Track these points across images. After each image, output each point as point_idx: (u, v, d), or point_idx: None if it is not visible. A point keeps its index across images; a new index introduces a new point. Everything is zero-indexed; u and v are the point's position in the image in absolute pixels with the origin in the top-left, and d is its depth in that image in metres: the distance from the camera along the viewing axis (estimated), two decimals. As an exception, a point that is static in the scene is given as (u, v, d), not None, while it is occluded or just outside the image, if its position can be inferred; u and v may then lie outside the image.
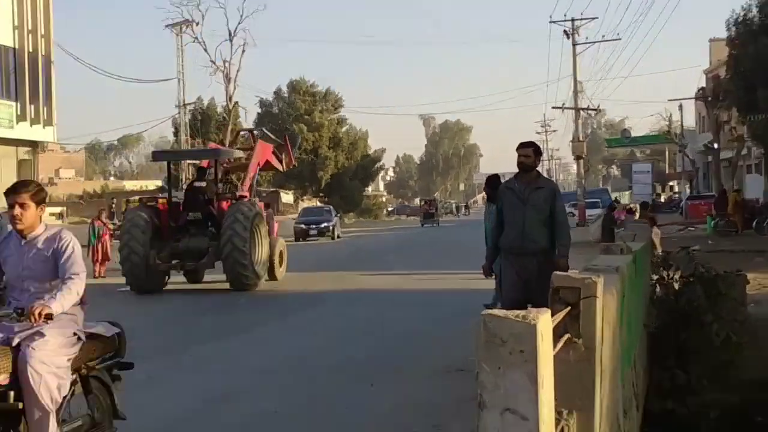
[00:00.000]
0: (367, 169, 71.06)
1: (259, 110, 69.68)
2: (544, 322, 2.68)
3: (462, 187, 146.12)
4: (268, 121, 69.63)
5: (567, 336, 3.61)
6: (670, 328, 9.10)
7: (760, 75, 25.53)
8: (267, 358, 9.75)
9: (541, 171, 7.90)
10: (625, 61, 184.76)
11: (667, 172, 79.63)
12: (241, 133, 27.69)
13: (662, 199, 71.88)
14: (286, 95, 69.97)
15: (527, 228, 7.47)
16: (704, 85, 49.90)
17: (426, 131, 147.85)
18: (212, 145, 26.55)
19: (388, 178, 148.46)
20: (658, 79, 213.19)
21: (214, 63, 49.71)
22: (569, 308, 3.65)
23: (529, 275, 7.41)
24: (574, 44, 45.20)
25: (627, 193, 74.71)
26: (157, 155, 23.63)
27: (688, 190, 58.32)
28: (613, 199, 54.55)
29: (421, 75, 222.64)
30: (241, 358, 9.85)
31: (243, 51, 50.40)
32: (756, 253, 21.16)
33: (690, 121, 65.55)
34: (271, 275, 18.59)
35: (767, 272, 15.95)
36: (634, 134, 74.73)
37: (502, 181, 9.85)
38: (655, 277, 9.38)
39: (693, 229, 35.16)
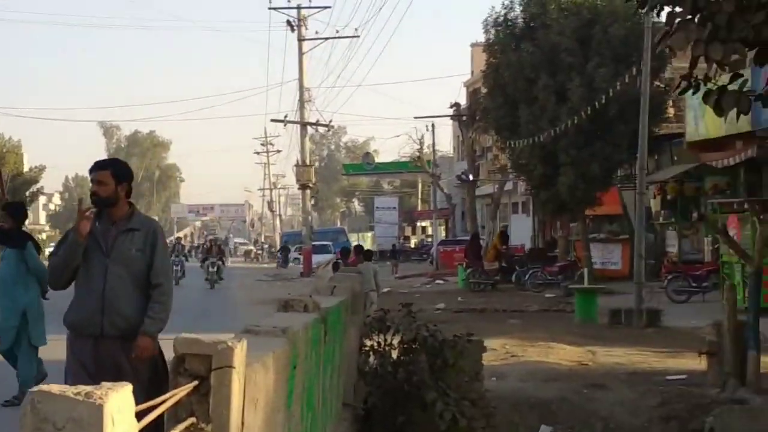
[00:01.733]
0: (19, 194, 68.46)
1: None
2: (118, 401, 2.60)
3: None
4: None
5: (190, 420, 3.56)
6: (386, 408, 9.38)
7: (521, 89, 27.38)
8: None
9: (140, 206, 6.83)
10: (370, 65, 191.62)
11: (419, 208, 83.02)
12: None
13: (412, 244, 75.01)
14: None
15: (110, 295, 6.47)
16: (465, 99, 52.78)
17: (108, 145, 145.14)
18: None
19: (52, 206, 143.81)
20: (414, 90, 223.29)
21: None
22: (197, 383, 3.61)
23: (111, 370, 6.29)
24: (300, 39, 46.22)
25: (369, 234, 77.09)
26: None
27: (443, 233, 61.16)
28: (353, 242, 55.99)
29: (102, 68, 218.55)
30: None
31: None
32: (512, 313, 22.54)
33: (447, 145, 69.10)
34: None
35: (522, 337, 16.96)
36: (382, 159, 77.13)
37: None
38: (368, 343, 9.65)
39: (442, 282, 36.98)
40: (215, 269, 37.52)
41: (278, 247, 73.91)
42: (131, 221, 6.63)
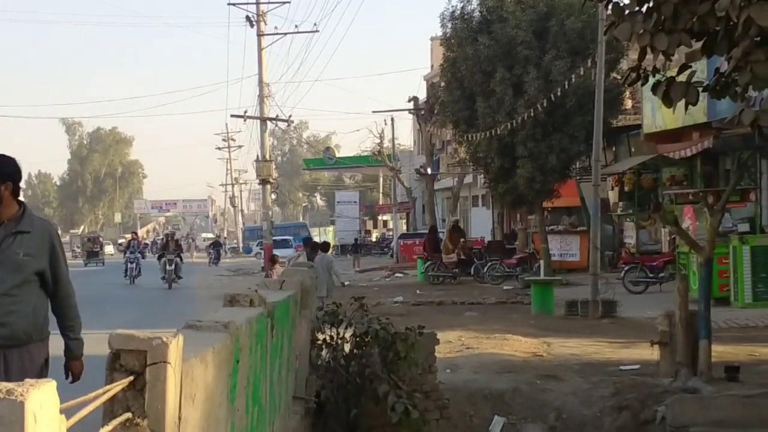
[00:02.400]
0: (-23, 191, 67.85)
1: None
2: (40, 398, 2.58)
3: (119, 217, 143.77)
4: None
5: (126, 416, 3.54)
6: (339, 401, 9.39)
7: (478, 83, 27.43)
8: None
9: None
10: (330, 60, 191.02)
11: (381, 203, 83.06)
12: None
13: (374, 237, 75.08)
14: None
15: None
16: (425, 93, 52.86)
17: (70, 141, 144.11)
18: None
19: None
20: (377, 84, 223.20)
21: None
22: (132, 379, 3.59)
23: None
24: (260, 35, 46.05)
25: (330, 228, 77.03)
26: None
27: (404, 226, 61.21)
28: (310, 236, 55.87)
29: (63, 65, 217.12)
30: None
31: None
32: (470, 306, 22.62)
33: (408, 139, 69.23)
34: None
35: (478, 329, 17.01)
36: (343, 154, 76.94)
37: None
38: (321, 336, 9.64)
39: (402, 275, 37.03)
40: (173, 267, 34.81)
41: (210, 243, 71.28)
42: (21, 223, 6.00)
